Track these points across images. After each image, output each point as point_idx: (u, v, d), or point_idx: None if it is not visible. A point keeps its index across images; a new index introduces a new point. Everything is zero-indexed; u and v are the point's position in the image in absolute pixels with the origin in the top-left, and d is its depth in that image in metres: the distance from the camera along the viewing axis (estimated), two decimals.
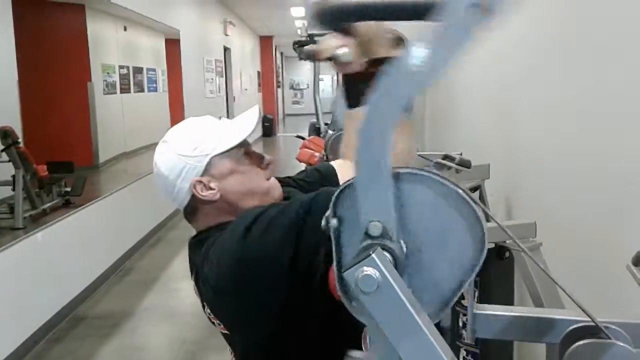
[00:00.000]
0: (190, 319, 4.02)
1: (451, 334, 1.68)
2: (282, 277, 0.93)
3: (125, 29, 7.48)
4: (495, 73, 2.53)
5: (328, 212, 0.71)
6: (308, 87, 24.94)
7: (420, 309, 0.67)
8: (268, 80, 17.59)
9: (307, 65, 25.91)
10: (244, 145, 1.11)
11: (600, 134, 1.43)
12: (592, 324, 0.73)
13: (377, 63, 1.10)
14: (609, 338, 0.69)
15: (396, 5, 0.72)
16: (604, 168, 1.43)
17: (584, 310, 0.72)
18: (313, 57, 1.23)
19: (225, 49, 11.03)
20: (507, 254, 1.51)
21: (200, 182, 1.08)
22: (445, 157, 1.75)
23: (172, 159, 1.09)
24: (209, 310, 1.08)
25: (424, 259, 0.68)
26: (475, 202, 0.68)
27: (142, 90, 8.08)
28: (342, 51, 1.14)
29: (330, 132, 3.44)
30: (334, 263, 0.73)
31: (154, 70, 8.44)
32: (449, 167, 1.65)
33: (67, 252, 4.12)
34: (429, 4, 0.64)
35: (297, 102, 23.88)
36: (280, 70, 22.12)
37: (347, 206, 0.71)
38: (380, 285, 0.64)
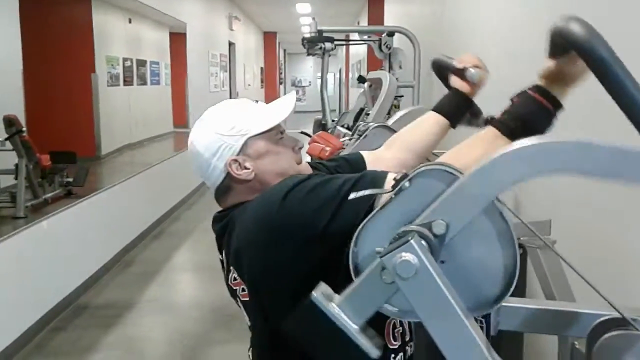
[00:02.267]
0: (191, 312, 4.03)
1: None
2: (312, 242, 0.94)
3: (130, 21, 7.47)
4: (508, 72, 2.53)
5: (409, 175, 0.74)
6: (310, 84, 24.94)
7: (456, 295, 0.66)
8: (271, 77, 17.58)
9: (310, 63, 25.93)
10: (279, 128, 1.14)
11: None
12: (618, 317, 0.73)
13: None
14: (638, 330, 0.69)
15: None
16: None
17: (611, 305, 0.72)
18: (443, 69, 1.30)
19: (230, 44, 11.02)
20: (521, 250, 1.51)
21: (236, 161, 1.10)
22: None
23: (208, 137, 1.11)
24: (234, 275, 1.09)
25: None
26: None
27: (145, 83, 8.07)
28: (475, 70, 1.21)
29: (339, 128, 3.43)
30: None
31: (157, 63, 8.42)
32: None
33: (69, 242, 4.11)
34: None
35: (298, 99, 23.81)
36: (283, 67, 22.10)
37: (429, 184, 0.72)
38: (418, 270, 0.65)
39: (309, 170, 1.18)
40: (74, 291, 4.07)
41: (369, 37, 4.67)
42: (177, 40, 8.10)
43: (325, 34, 4.11)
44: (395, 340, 1.12)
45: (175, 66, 8.56)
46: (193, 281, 4.90)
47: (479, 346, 0.65)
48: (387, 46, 4.24)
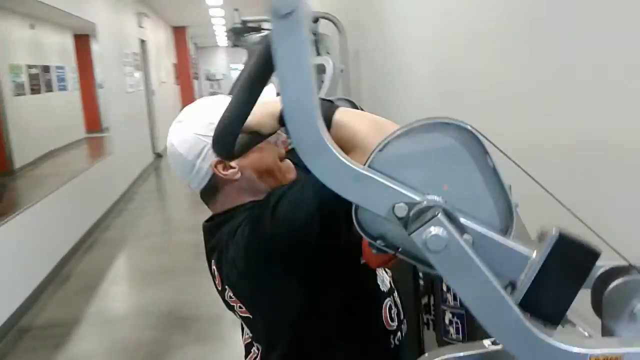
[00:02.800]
0: (142, 320, 3.93)
1: (435, 297, 1.75)
2: (311, 253, 0.96)
3: (32, 26, 7.06)
4: (440, 53, 2.61)
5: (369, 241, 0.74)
6: (224, 77, 24.60)
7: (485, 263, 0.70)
8: (184, 72, 17.17)
9: (222, 55, 25.60)
10: None
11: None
12: (618, 265, 0.80)
13: None
14: None
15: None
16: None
17: (615, 250, 0.78)
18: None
19: (142, 42, 10.66)
20: None
21: (221, 161, 1.08)
22: None
23: (190, 139, 1.09)
24: (230, 294, 1.09)
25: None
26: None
27: (51, 90, 7.68)
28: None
29: None
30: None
31: (62, 68, 8.03)
32: None
33: None
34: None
35: (214, 93, 23.41)
36: (195, 61, 21.65)
37: (374, 222, 0.74)
38: (448, 243, 0.68)
39: (292, 167, 1.17)
40: (13, 314, 3.86)
41: None
42: (82, 42, 7.75)
43: (249, 24, 4.08)
44: (392, 322, 1.16)
45: (82, 69, 8.19)
46: (137, 288, 4.77)
47: (512, 307, 0.69)
48: (312, 32, 4.27)
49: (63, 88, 8.08)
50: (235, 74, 24.43)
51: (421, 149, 0.72)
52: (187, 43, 17.66)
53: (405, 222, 0.71)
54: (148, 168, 9.95)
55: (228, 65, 24.99)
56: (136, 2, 10.54)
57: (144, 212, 7.27)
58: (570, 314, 0.95)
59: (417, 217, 0.72)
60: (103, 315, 4.05)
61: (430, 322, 1.93)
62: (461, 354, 1.25)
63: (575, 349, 0.69)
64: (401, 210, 0.71)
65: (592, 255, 0.72)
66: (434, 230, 0.69)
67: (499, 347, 1.25)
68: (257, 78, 0.75)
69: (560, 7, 1.44)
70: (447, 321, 1.94)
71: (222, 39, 21.52)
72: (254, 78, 0.75)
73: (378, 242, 0.74)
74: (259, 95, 0.76)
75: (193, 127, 1.09)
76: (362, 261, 0.99)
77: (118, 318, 4.02)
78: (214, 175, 1.09)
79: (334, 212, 0.92)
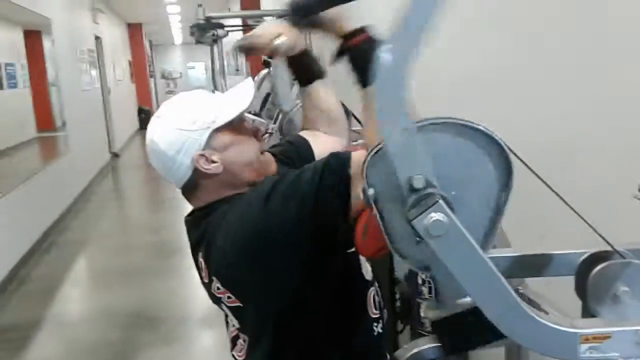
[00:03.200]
0: (108, 320, 3.85)
1: (410, 290, 1.81)
2: (304, 242, 0.97)
3: None
4: None
5: (363, 186, 0.76)
6: (181, 75, 24.23)
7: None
8: (140, 70, 16.85)
9: (178, 53, 25.18)
10: (240, 117, 1.12)
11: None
12: (601, 251, 0.86)
13: (348, 37, 1.14)
14: (624, 258, 0.82)
15: None
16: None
17: (600, 236, 0.83)
18: (252, 52, 1.23)
19: (97, 38, 10.42)
20: None
21: (203, 155, 1.07)
22: None
23: (170, 134, 1.08)
24: (217, 285, 1.09)
25: (456, 201, 0.74)
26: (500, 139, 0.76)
27: (1, 87, 7.43)
28: (281, 40, 1.17)
29: (247, 115, 3.43)
30: (381, 226, 0.79)
31: (12, 65, 7.77)
32: None
33: None
34: None
35: (171, 92, 23.05)
36: (151, 59, 21.26)
37: (378, 172, 0.77)
38: (448, 229, 0.72)
39: (272, 160, 1.19)
40: None
41: (255, 21, 4.66)
42: (33, 38, 7.51)
43: (213, 21, 4.05)
44: (376, 310, 1.19)
45: (34, 66, 7.93)
46: (100, 290, 4.67)
47: (510, 291, 0.74)
48: None
49: (13, 86, 7.82)
50: (192, 73, 24.17)
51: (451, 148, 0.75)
52: (143, 40, 17.34)
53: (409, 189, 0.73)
54: (105, 168, 9.74)
55: (185, 63, 24.63)
56: None
57: (103, 213, 7.12)
58: (543, 303, 1.01)
59: (417, 203, 0.75)
60: (66, 317, 3.97)
61: (405, 314, 1.99)
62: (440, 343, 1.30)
63: (568, 329, 0.74)
64: (419, 181, 0.72)
65: None
66: (435, 215, 0.72)
67: None
68: None
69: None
70: (422, 313, 2.00)
71: (178, 37, 21.20)
72: None
73: (370, 190, 0.76)
74: None
75: (174, 122, 1.08)
76: (352, 249, 1.02)
77: (82, 320, 3.94)
78: (195, 170, 1.09)
79: (330, 201, 0.95)
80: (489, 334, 0.77)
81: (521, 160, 0.78)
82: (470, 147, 0.76)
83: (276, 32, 1.18)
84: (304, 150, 1.30)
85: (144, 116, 15.46)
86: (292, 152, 1.30)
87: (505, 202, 0.78)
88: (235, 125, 1.11)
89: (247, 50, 1.22)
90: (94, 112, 9.34)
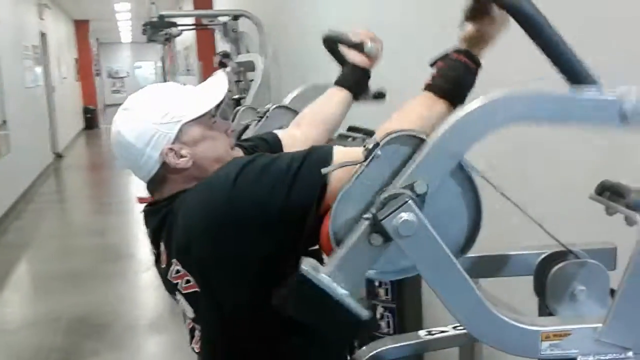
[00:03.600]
0: (51, 325, 3.70)
1: (367, 293, 1.83)
2: (269, 225, 0.95)
3: None
4: None
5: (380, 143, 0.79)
6: (128, 75, 23.65)
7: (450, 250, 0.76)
8: (86, 68, 16.36)
9: (126, 52, 24.55)
10: (211, 112, 1.10)
11: None
12: (557, 251, 0.89)
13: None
14: (579, 258, 0.86)
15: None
16: None
17: (552, 237, 0.87)
18: (342, 41, 1.33)
19: (42, 34, 10.06)
20: None
21: (172, 149, 1.06)
22: (350, 128, 1.84)
23: (139, 127, 1.06)
24: (177, 267, 1.06)
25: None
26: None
27: None
28: (372, 44, 1.28)
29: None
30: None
31: None
32: (354, 138, 1.75)
33: None
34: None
35: (117, 91, 22.45)
36: (97, 57, 20.69)
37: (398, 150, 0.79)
38: (417, 228, 0.73)
39: (242, 154, 1.16)
40: None
41: (209, 21, 4.61)
42: None
43: (167, 19, 3.99)
44: None
45: None
46: (43, 294, 4.48)
47: (474, 290, 0.76)
48: (233, 30, 4.22)
49: None
50: (139, 72, 23.55)
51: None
52: (89, 38, 16.87)
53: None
54: (47, 169, 9.40)
55: (132, 62, 24.06)
56: None
57: (46, 215, 6.87)
58: (497, 303, 1.04)
59: (384, 204, 0.76)
60: (6, 323, 3.80)
61: None
62: (399, 344, 1.32)
63: (529, 327, 0.76)
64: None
65: None
66: (404, 215, 0.74)
67: (436, 335, 1.33)
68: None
69: None
70: (378, 315, 2.03)
71: (127, 35, 20.71)
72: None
73: None
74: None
75: (144, 114, 1.07)
76: (315, 247, 1.01)
77: (23, 326, 3.78)
78: (163, 164, 1.07)
79: (306, 187, 0.94)
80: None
81: (477, 172, 0.80)
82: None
83: (372, 36, 1.30)
84: (277, 149, 1.28)
85: (90, 116, 15.05)
86: (264, 148, 1.28)
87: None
88: (206, 120, 1.10)
89: (332, 41, 1.32)
90: (38, 110, 9.00)
